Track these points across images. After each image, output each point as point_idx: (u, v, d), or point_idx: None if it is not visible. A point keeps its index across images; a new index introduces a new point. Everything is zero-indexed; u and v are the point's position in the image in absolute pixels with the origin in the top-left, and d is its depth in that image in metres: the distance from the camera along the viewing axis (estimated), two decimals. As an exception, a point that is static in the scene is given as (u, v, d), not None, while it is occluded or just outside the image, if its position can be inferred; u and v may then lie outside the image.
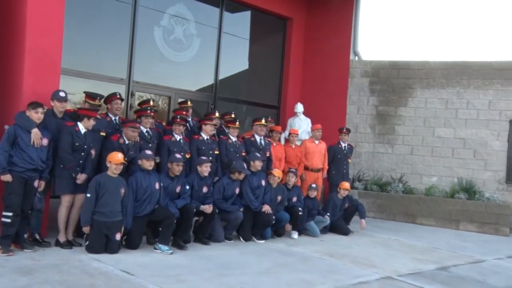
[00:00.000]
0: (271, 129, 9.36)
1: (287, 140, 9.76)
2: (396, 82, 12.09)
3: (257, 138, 8.74)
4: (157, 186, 6.83)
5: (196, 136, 8.01)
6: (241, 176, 7.73)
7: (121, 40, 9.28)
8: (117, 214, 6.38)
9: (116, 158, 6.40)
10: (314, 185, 9.04)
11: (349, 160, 10.33)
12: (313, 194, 8.94)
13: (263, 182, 8.03)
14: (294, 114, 11.29)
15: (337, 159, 10.12)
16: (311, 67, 12.39)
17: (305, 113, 11.30)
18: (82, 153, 6.49)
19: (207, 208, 7.27)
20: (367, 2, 12.49)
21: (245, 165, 7.77)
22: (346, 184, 9.34)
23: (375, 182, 11.66)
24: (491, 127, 11.34)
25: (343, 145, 10.18)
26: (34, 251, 6.15)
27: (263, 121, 8.75)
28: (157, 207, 6.80)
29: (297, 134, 9.70)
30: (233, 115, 8.95)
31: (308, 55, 12.46)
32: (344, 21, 12.11)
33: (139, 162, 6.79)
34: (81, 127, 6.49)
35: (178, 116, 7.86)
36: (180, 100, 9.45)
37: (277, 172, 8.28)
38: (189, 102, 8.79)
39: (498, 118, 11.31)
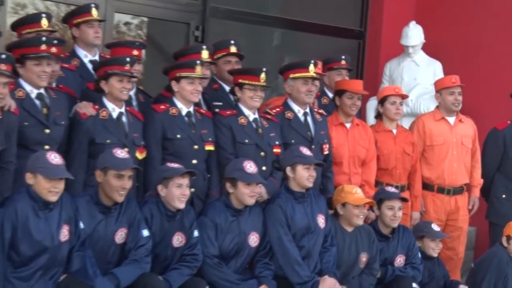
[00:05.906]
0: (338, 86, 5.45)
1: (379, 115, 5.75)
2: None
3: (298, 110, 5.19)
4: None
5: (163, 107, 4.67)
6: (249, 199, 4.47)
7: None
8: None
9: None
10: (437, 228, 5.33)
11: None
12: (435, 250, 5.30)
13: (320, 219, 4.77)
14: (402, 51, 7.13)
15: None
16: None
17: (428, 50, 7.07)
18: None
19: None
20: None
21: (256, 169, 4.49)
22: None
23: None
24: None
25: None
26: None
27: (311, 68, 5.03)
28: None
29: (403, 98, 5.61)
30: (233, 49, 5.21)
31: None
32: None
33: None
34: None
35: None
36: None
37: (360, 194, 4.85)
38: None
39: None
